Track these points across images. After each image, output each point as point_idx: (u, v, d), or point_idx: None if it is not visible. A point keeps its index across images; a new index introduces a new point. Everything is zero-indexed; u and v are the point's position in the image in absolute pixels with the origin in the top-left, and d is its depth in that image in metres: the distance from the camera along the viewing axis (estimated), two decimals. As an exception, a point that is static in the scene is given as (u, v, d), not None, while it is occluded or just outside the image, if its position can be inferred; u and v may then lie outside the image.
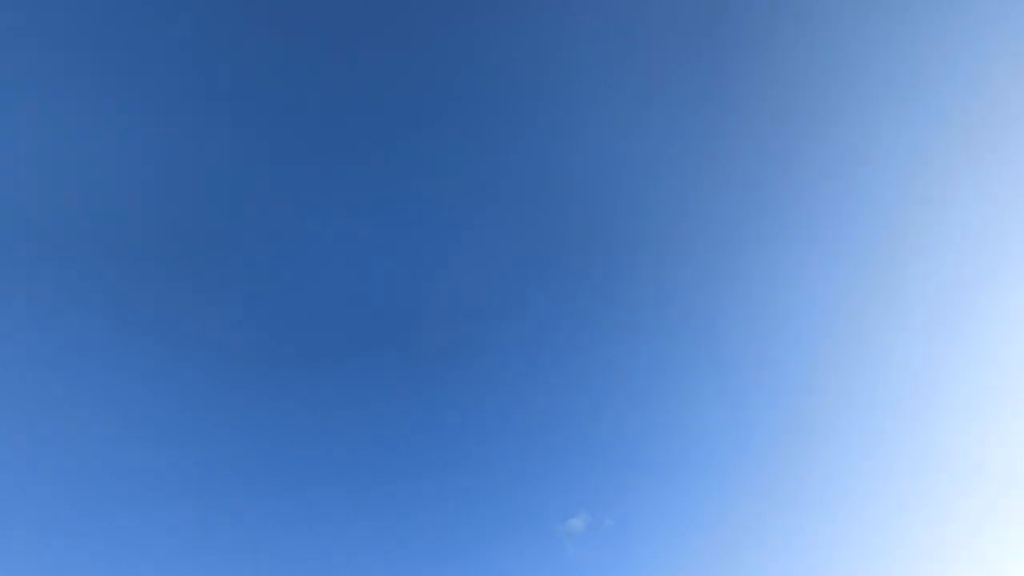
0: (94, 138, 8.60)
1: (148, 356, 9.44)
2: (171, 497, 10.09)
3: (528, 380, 10.93)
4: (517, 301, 10.45)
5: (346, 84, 9.09)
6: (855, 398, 11.39)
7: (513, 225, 10.18)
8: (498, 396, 10.78)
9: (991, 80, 9.67)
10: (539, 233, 10.25)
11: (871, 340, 11.08)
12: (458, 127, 9.45)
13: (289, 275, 9.54)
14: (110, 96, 8.53)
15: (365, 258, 9.88)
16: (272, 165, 9.11)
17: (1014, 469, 11.45)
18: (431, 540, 11.01)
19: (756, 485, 11.70)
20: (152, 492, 10.08)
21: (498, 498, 11.13)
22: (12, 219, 8.67)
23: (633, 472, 11.50)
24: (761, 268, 10.49)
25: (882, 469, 11.69)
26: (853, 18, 9.40)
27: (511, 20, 9.04)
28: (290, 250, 9.49)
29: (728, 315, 10.68)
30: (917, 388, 11.25)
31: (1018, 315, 10.68)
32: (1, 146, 8.37)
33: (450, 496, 10.95)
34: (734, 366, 11.02)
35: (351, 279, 9.88)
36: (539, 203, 10.10)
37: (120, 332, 9.26)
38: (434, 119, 9.34)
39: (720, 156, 9.82)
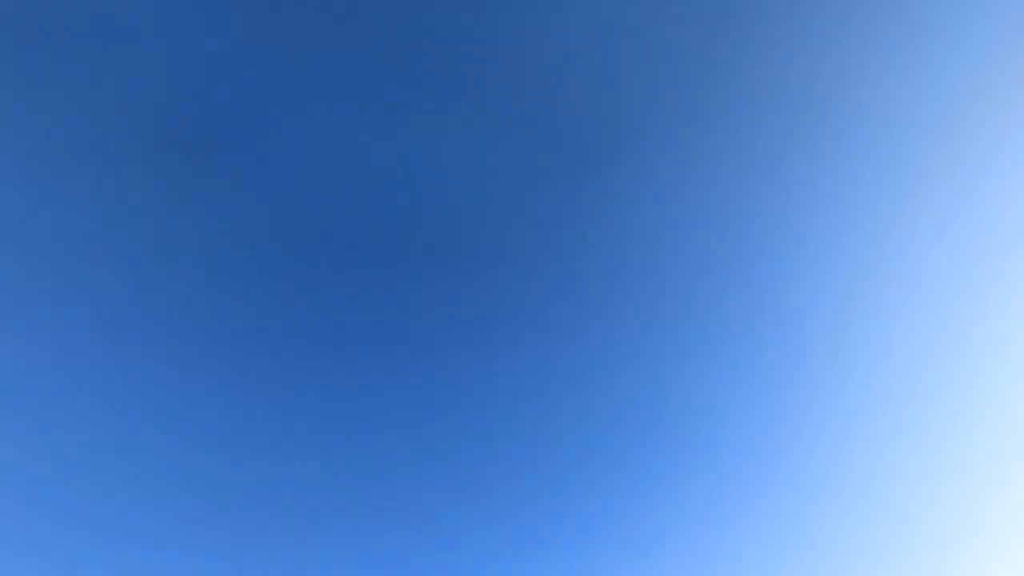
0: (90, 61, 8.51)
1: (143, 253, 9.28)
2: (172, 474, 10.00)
3: (526, 377, 10.84)
4: (516, 298, 10.37)
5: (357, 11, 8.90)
6: (855, 398, 11.36)
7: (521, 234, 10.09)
8: (498, 388, 10.70)
9: (991, 79, 9.68)
10: (544, 241, 10.16)
11: (870, 339, 11.06)
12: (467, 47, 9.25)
13: (281, 178, 9.38)
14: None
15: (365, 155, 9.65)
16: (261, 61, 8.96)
17: (1014, 470, 11.45)
18: (423, 545, 10.88)
19: (756, 484, 11.66)
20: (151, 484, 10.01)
21: (494, 497, 11.02)
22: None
23: (632, 470, 11.43)
24: (761, 265, 10.47)
25: (881, 469, 11.67)
26: (852, 16, 9.41)
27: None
28: (285, 155, 9.30)
29: (727, 313, 10.65)
30: (917, 388, 11.22)
31: (1018, 315, 10.68)
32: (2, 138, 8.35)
33: (445, 497, 10.80)
34: (734, 364, 10.99)
35: (348, 178, 9.66)
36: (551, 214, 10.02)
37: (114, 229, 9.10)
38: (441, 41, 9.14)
39: (716, 152, 9.81)
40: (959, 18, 9.35)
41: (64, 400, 9.45)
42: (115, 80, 8.38)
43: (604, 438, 10.97)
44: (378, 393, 10.32)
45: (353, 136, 9.12)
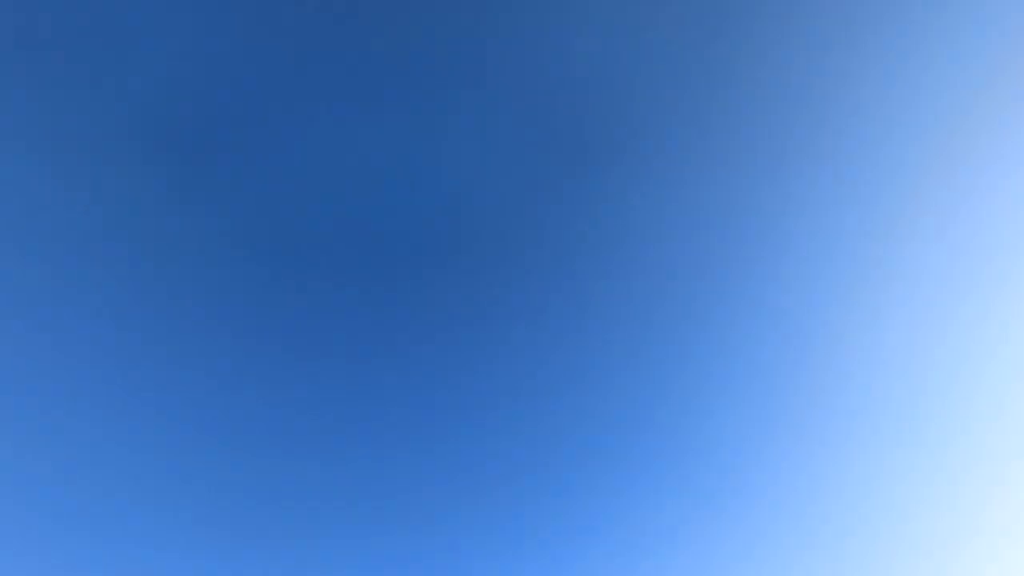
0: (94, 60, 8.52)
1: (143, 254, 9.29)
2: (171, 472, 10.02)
3: (524, 376, 10.84)
4: (515, 297, 10.37)
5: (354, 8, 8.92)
6: (855, 398, 11.36)
7: (517, 227, 10.09)
8: (495, 386, 10.70)
9: (991, 79, 9.68)
10: (539, 238, 10.15)
11: (870, 339, 11.06)
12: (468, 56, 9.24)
13: (283, 182, 9.40)
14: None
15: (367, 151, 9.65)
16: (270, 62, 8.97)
17: (1014, 470, 11.44)
18: (419, 542, 10.87)
19: (756, 484, 11.66)
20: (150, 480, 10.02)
21: (492, 498, 11.01)
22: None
23: (630, 471, 11.43)
24: (761, 265, 10.47)
25: (881, 469, 11.67)
26: (853, 15, 9.41)
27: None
28: (287, 157, 9.32)
29: (726, 313, 10.66)
30: (916, 388, 11.22)
31: (1018, 315, 10.68)
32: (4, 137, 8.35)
33: (442, 497, 10.79)
34: (733, 364, 10.99)
35: (356, 194, 9.67)
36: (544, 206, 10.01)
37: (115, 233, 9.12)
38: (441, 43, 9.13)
39: (716, 152, 9.81)
40: (959, 18, 9.35)
41: (64, 400, 9.45)
42: (115, 80, 8.38)
43: (604, 438, 10.97)
44: (378, 393, 10.32)
45: (353, 136, 9.12)
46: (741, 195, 9.91)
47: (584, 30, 9.04)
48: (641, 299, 10.34)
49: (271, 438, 10.16)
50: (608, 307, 10.32)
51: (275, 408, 10.02)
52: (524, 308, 10.05)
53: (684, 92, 9.35)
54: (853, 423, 11.23)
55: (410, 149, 9.14)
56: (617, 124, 9.46)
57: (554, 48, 8.99)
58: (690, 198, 9.83)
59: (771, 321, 10.59)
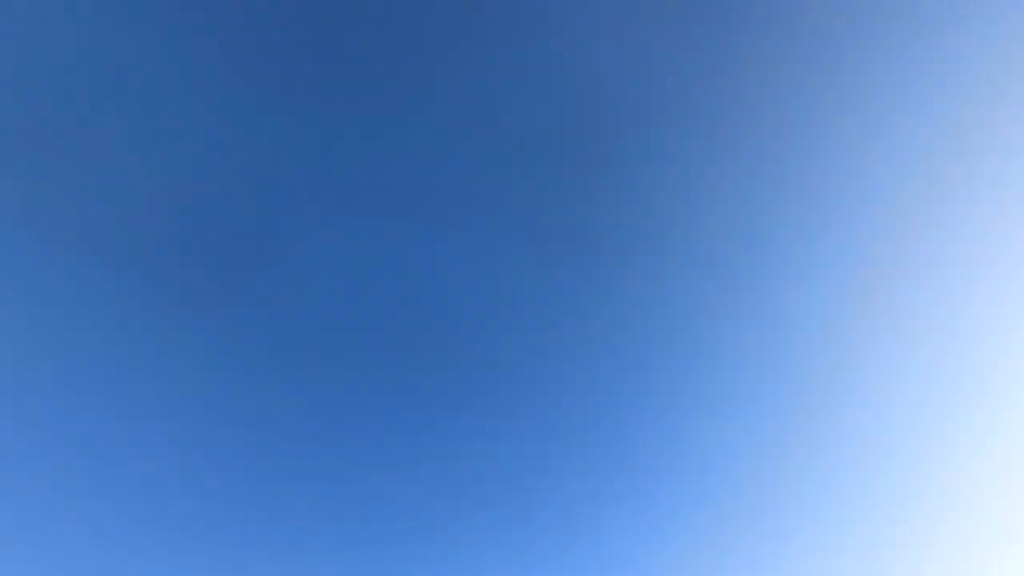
0: (106, 143, 8.61)
1: (146, 351, 9.41)
2: (168, 491, 10.04)
3: (522, 378, 10.85)
4: (513, 301, 10.39)
5: (350, 85, 9.04)
6: (855, 398, 11.34)
7: (512, 228, 10.09)
8: (491, 397, 10.71)
9: (991, 79, 9.67)
10: (538, 234, 10.15)
11: (871, 340, 11.04)
12: (464, 124, 9.36)
13: (287, 273, 9.49)
14: (120, 99, 8.50)
15: (365, 257, 9.79)
16: (269, 163, 9.09)
17: (1014, 471, 11.42)
18: (421, 540, 10.89)
19: (755, 486, 11.64)
20: (149, 487, 10.05)
21: (490, 499, 11.03)
22: (23, 215, 8.68)
23: (628, 473, 11.42)
24: (761, 267, 10.45)
25: (882, 470, 11.64)
26: (854, 15, 9.39)
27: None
28: (289, 248, 9.44)
29: (726, 314, 10.64)
30: (917, 388, 11.20)
31: (1019, 315, 10.66)
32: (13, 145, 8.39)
33: (441, 496, 10.82)
34: (733, 365, 10.97)
35: (351, 279, 9.80)
36: (538, 206, 10.00)
37: (121, 327, 9.24)
38: (438, 116, 9.24)
39: (717, 154, 9.80)
40: (959, 18, 9.34)
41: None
42: (142, 178, 8.48)
43: (604, 438, 10.95)
44: (380, 411, 10.34)
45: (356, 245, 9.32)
46: (742, 197, 9.90)
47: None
48: (643, 298, 10.33)
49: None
50: (607, 306, 10.32)
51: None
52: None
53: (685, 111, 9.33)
54: (855, 423, 11.21)
55: (409, 255, 9.41)
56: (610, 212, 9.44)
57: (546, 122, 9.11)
58: (695, 200, 9.81)
59: (771, 322, 10.58)
